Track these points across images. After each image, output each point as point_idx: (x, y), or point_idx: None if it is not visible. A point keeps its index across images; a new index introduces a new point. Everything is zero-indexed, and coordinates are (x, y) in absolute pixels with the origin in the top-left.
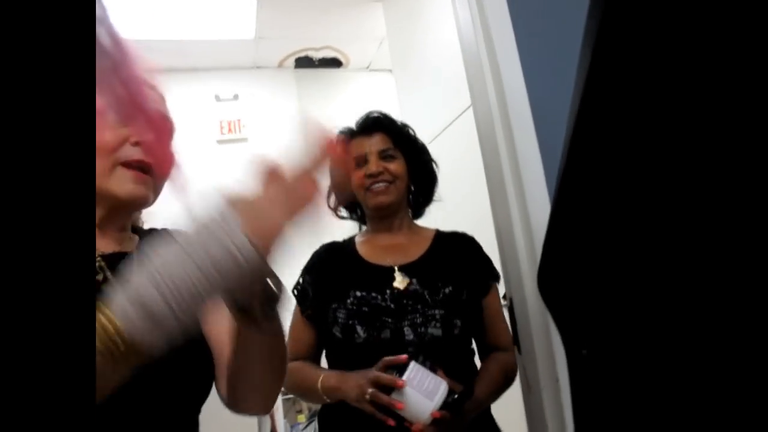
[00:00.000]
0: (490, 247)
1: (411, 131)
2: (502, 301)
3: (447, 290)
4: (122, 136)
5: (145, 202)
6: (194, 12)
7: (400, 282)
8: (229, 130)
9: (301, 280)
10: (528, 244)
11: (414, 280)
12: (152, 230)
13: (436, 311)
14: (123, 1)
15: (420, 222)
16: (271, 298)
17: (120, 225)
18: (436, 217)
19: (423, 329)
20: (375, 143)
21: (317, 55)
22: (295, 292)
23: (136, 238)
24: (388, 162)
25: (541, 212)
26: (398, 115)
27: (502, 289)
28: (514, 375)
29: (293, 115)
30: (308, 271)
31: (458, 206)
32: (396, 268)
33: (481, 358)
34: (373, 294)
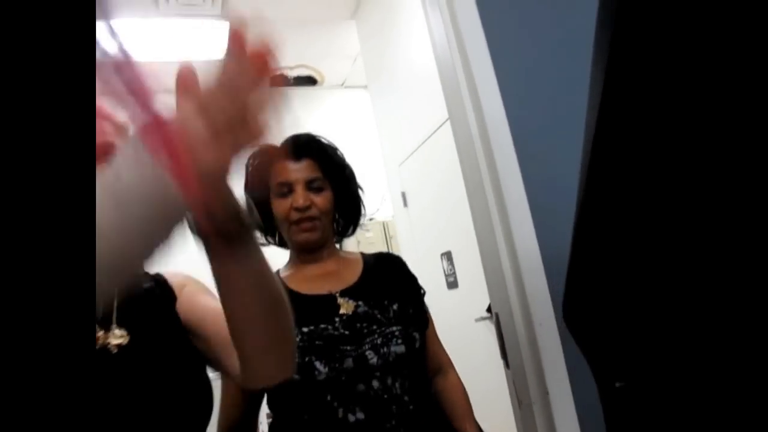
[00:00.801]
0: (474, 262)
1: (340, 155)
2: (485, 314)
3: (395, 306)
4: (117, 140)
5: None
6: (165, 33)
7: (345, 307)
8: None
9: None
10: (511, 257)
11: (360, 302)
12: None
13: (395, 328)
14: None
15: (404, 233)
16: (240, 219)
17: None
18: (416, 229)
19: (386, 349)
20: (303, 171)
21: (292, 73)
22: None
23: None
24: (315, 194)
25: (523, 224)
26: (375, 131)
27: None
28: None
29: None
30: None
31: (443, 219)
32: (338, 294)
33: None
34: (322, 325)
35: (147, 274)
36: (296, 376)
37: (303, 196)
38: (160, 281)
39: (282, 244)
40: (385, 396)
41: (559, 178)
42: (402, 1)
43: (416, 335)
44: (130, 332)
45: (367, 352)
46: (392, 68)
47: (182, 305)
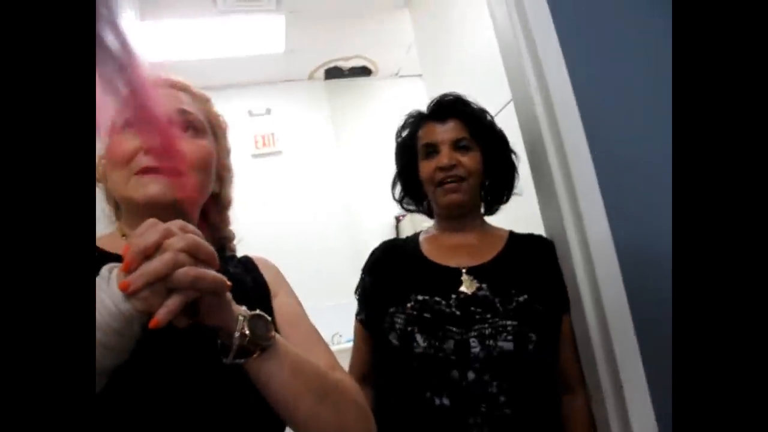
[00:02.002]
0: None
1: (490, 118)
2: None
3: (521, 299)
4: (135, 147)
5: (167, 199)
6: (223, 30)
7: (467, 286)
8: (264, 144)
9: (361, 282)
10: (582, 246)
11: (484, 285)
12: (239, 258)
13: (508, 322)
14: (152, 26)
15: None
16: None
17: None
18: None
19: (492, 342)
20: (448, 131)
21: (346, 64)
22: (356, 295)
23: None
24: (461, 153)
25: (593, 210)
26: None
27: None
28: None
29: (325, 127)
30: (368, 271)
31: (504, 208)
32: (464, 271)
33: None
34: (437, 298)
35: (234, 257)
36: (396, 343)
37: (448, 156)
38: (250, 268)
39: (430, 214)
40: (478, 391)
41: (630, 161)
42: None
43: (533, 336)
44: None
45: (471, 340)
46: (446, 55)
47: (276, 306)
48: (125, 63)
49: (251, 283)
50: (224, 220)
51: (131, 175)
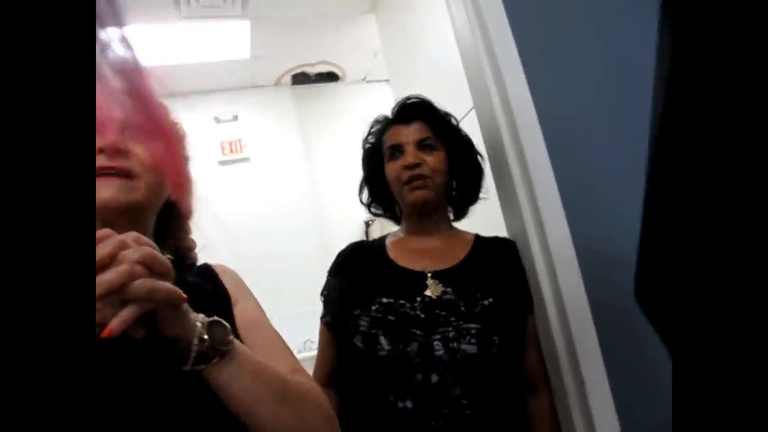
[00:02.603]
0: None
1: (454, 120)
2: None
3: (486, 302)
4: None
5: (119, 203)
6: (188, 35)
7: (432, 290)
8: (231, 150)
9: (326, 284)
10: (543, 249)
11: (449, 289)
12: (199, 266)
13: (472, 325)
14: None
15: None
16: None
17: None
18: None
19: (455, 344)
20: (412, 132)
21: (313, 70)
22: (322, 297)
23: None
24: (426, 153)
25: (554, 213)
26: None
27: None
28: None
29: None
30: (333, 273)
31: (472, 212)
32: (429, 275)
33: None
34: (401, 301)
35: (194, 265)
36: (360, 345)
37: (413, 155)
38: (210, 276)
39: (398, 220)
40: (441, 394)
41: (590, 165)
42: None
43: (496, 339)
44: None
45: (435, 343)
46: (413, 61)
47: (237, 312)
48: (130, 71)
49: (211, 291)
50: (184, 229)
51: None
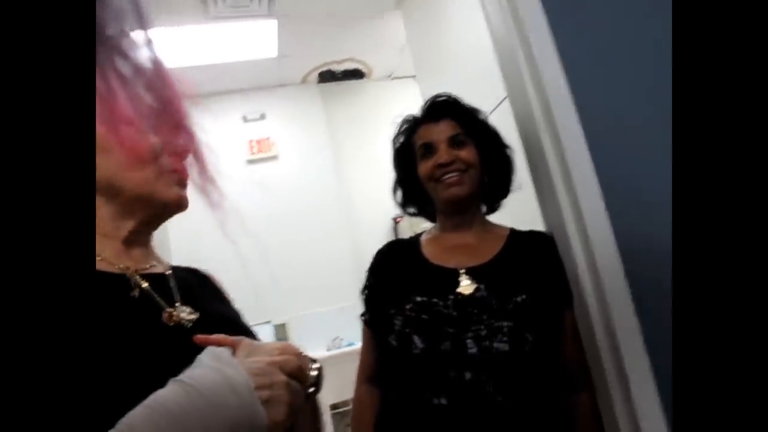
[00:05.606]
0: None
1: (482, 115)
2: None
3: (519, 299)
4: (158, 145)
5: (185, 207)
6: (215, 36)
7: (465, 287)
8: (259, 149)
9: (365, 282)
10: (583, 240)
11: (482, 286)
12: (192, 269)
13: (504, 323)
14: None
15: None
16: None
17: (148, 239)
18: None
19: (488, 342)
20: (443, 130)
21: (339, 67)
22: (362, 295)
23: (166, 261)
24: (458, 149)
25: (593, 205)
26: None
27: None
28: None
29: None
30: (372, 271)
31: (506, 205)
32: (462, 272)
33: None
34: (435, 300)
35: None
36: (395, 344)
37: (447, 152)
38: (201, 275)
39: (433, 218)
40: (474, 391)
41: (630, 153)
42: None
43: (529, 336)
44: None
45: (467, 340)
46: (440, 56)
47: None
48: (155, 77)
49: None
50: None
51: (162, 172)
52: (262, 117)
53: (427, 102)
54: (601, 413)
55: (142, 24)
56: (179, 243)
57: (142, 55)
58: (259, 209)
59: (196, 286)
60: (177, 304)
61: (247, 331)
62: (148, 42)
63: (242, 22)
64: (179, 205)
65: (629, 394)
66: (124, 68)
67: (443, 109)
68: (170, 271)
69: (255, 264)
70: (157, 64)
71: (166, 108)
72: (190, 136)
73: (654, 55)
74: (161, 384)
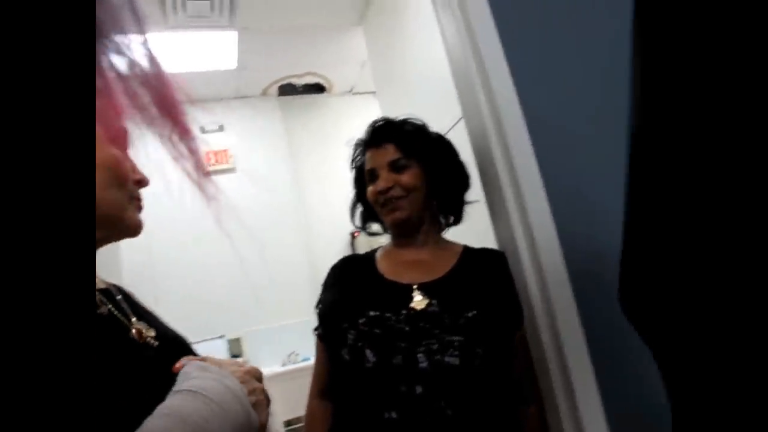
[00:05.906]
0: None
1: (425, 133)
2: None
3: (470, 314)
4: (131, 169)
5: (139, 234)
6: (175, 45)
7: (418, 302)
8: (216, 161)
9: (320, 297)
10: (533, 258)
11: (434, 301)
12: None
13: (455, 338)
14: None
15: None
16: None
17: None
18: None
19: (439, 357)
20: (383, 155)
21: (300, 81)
22: (316, 310)
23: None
24: (399, 174)
25: (543, 223)
26: None
27: None
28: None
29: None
30: (327, 286)
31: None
32: (415, 287)
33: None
34: (387, 314)
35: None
36: (347, 357)
37: (385, 179)
38: (125, 291)
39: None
40: (425, 405)
41: (579, 173)
42: (409, 5)
43: (480, 351)
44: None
45: (419, 355)
46: (400, 73)
47: None
48: (151, 77)
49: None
50: None
51: (132, 198)
52: (221, 129)
53: (368, 126)
54: (548, 425)
55: (139, 24)
56: (131, 257)
57: (139, 54)
58: (213, 222)
59: (132, 302)
60: (133, 320)
61: (190, 347)
62: (144, 42)
63: (202, 33)
64: (137, 231)
65: (575, 405)
66: (121, 66)
67: (383, 133)
68: (112, 287)
69: (209, 277)
70: (154, 62)
71: (163, 104)
72: (187, 131)
73: (607, 75)
74: (158, 401)
